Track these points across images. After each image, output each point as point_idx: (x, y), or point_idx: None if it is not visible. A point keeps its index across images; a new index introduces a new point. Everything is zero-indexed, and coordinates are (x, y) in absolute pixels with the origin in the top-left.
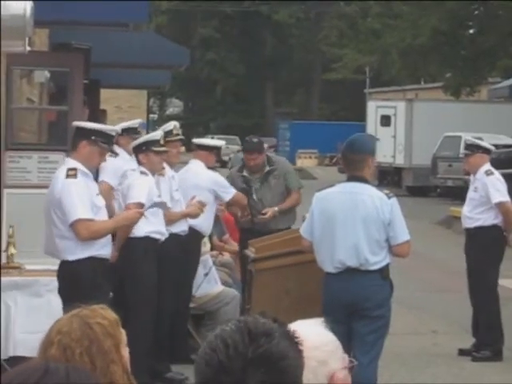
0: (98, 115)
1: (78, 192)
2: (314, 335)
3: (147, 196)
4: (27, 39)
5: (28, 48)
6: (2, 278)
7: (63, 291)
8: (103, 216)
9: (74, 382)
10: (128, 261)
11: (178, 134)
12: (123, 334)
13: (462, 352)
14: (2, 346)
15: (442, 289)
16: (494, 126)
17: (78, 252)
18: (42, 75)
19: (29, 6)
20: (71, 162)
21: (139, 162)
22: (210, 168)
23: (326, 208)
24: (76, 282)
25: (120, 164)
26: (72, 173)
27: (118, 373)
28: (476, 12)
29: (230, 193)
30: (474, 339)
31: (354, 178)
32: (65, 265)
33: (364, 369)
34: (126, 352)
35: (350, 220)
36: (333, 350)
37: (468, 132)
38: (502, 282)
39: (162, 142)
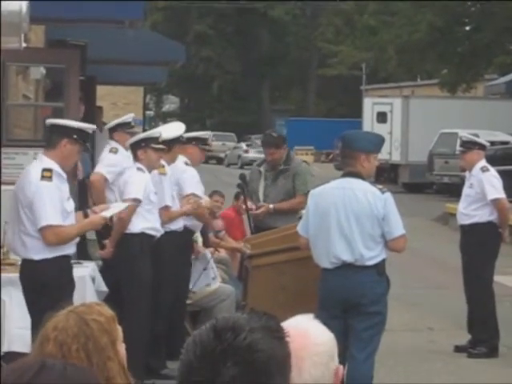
0: (94, 112)
1: (50, 196)
2: (319, 331)
3: (143, 192)
4: (23, 35)
5: (24, 44)
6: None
7: (27, 291)
8: (71, 221)
9: (71, 377)
10: (124, 257)
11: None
12: (119, 331)
13: (458, 348)
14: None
15: (438, 285)
16: (490, 123)
17: (44, 252)
18: (37, 72)
19: (25, 2)
20: (47, 162)
21: (136, 158)
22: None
23: (320, 204)
24: (41, 282)
25: (120, 160)
26: (47, 174)
27: (114, 369)
28: (472, 9)
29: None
30: (470, 336)
31: (348, 173)
32: (29, 264)
33: (360, 365)
34: (122, 348)
35: (343, 215)
36: (335, 345)
37: (464, 129)
38: (497, 278)
39: (160, 139)
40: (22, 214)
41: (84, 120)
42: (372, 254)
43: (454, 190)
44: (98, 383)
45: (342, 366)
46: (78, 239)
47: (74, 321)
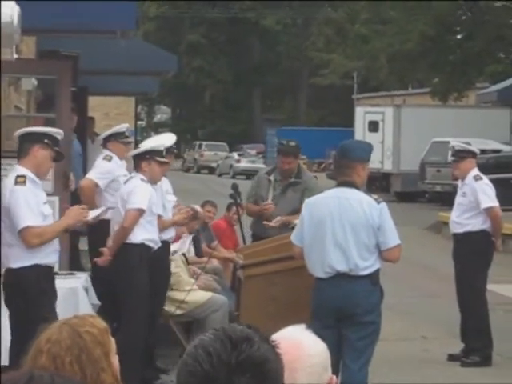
0: (85, 122)
1: (26, 199)
2: (312, 342)
3: (148, 203)
4: (14, 47)
5: (15, 55)
6: None
7: (8, 300)
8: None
9: None
10: (123, 267)
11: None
12: (112, 342)
13: (452, 357)
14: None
15: (431, 294)
16: (482, 131)
17: (23, 259)
18: (29, 83)
19: (16, 13)
20: (20, 169)
21: (140, 170)
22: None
23: (315, 213)
24: (21, 290)
25: (114, 168)
26: (21, 180)
27: (107, 381)
28: (463, 17)
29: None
30: (463, 344)
31: (343, 183)
32: (9, 272)
33: (355, 375)
34: (115, 360)
35: (338, 225)
36: (329, 356)
37: (456, 137)
38: (490, 286)
39: (164, 153)
40: (1, 225)
41: (76, 131)
42: (366, 264)
43: (446, 199)
44: None
45: (335, 377)
46: (58, 247)
47: (67, 333)
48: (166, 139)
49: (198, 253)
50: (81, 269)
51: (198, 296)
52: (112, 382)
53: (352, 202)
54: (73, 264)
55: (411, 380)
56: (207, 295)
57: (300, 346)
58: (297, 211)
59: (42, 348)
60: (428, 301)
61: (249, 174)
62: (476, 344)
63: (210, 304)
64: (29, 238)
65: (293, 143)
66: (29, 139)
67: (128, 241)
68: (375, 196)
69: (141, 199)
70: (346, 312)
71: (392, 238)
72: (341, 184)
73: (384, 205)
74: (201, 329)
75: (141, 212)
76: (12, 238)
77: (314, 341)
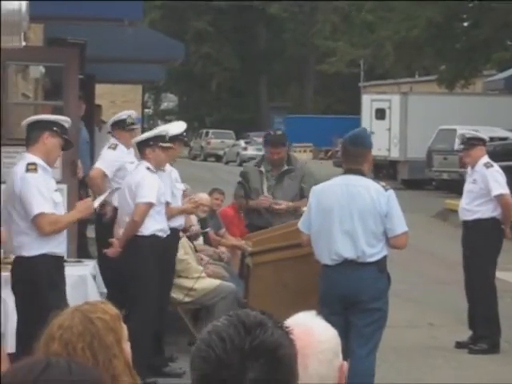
0: (93, 110)
1: (37, 186)
2: (323, 328)
3: (157, 194)
4: (23, 34)
5: (23, 43)
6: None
7: (17, 288)
8: (60, 212)
9: (77, 374)
10: (133, 259)
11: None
12: (124, 329)
13: (459, 344)
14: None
15: (438, 281)
16: (489, 119)
17: (34, 248)
18: (37, 70)
19: (24, 1)
20: (30, 157)
21: (144, 157)
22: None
23: (322, 201)
24: (31, 279)
25: (119, 156)
26: (32, 167)
27: (119, 367)
28: (470, 4)
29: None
30: (471, 332)
31: (351, 170)
32: (20, 261)
33: (362, 361)
34: (127, 346)
35: (346, 212)
36: (339, 341)
37: (463, 125)
38: (498, 274)
39: (167, 138)
40: (12, 212)
41: (83, 118)
42: (374, 251)
43: (453, 187)
44: (103, 380)
45: (346, 363)
46: (66, 238)
47: (79, 319)
48: (175, 126)
49: (206, 240)
50: (88, 256)
51: (207, 283)
52: (124, 369)
53: (360, 189)
54: (80, 251)
55: (418, 367)
56: (215, 282)
57: (311, 332)
58: (296, 198)
59: (53, 334)
60: (435, 288)
61: None
62: (484, 331)
63: (218, 291)
64: (43, 225)
65: (279, 132)
66: (38, 127)
67: (139, 233)
68: (383, 183)
69: (149, 192)
70: (353, 299)
71: (399, 225)
72: (348, 171)
73: (391, 192)
74: (209, 316)
75: (150, 205)
76: (25, 227)
77: (325, 327)
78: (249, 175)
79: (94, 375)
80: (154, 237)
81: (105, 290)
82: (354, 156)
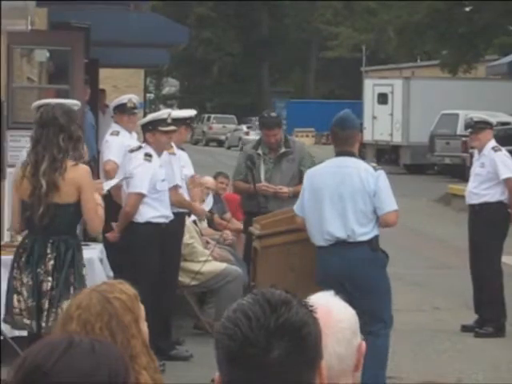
0: (97, 94)
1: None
2: (341, 307)
3: (148, 184)
4: (29, 18)
5: (30, 27)
6: (6, 257)
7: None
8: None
9: (100, 353)
10: (128, 246)
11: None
12: (142, 309)
13: (465, 328)
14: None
15: (442, 265)
16: (491, 104)
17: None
18: (42, 54)
19: None
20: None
21: (146, 141)
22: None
23: (314, 184)
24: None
25: (123, 141)
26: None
27: (137, 347)
28: None
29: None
30: (477, 315)
31: (342, 152)
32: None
33: (375, 337)
34: (144, 326)
35: (336, 193)
36: (357, 321)
37: (465, 110)
38: (503, 258)
39: (169, 120)
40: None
41: (87, 102)
42: (364, 230)
43: (455, 171)
44: (125, 359)
45: (364, 342)
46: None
47: (96, 299)
48: (184, 112)
49: (211, 224)
50: (93, 240)
51: (213, 267)
52: (142, 349)
53: (350, 169)
54: (85, 235)
55: (424, 350)
56: (222, 266)
57: (329, 311)
58: (295, 181)
59: (72, 314)
60: (439, 272)
61: None
62: (490, 315)
63: (224, 274)
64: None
65: (274, 114)
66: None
67: (134, 220)
68: (374, 164)
69: (140, 182)
70: (349, 278)
71: (388, 204)
72: (340, 153)
73: (381, 172)
74: (215, 299)
75: (141, 195)
76: None
77: (343, 306)
78: (254, 159)
79: (116, 354)
80: (149, 224)
81: (111, 274)
82: (344, 139)
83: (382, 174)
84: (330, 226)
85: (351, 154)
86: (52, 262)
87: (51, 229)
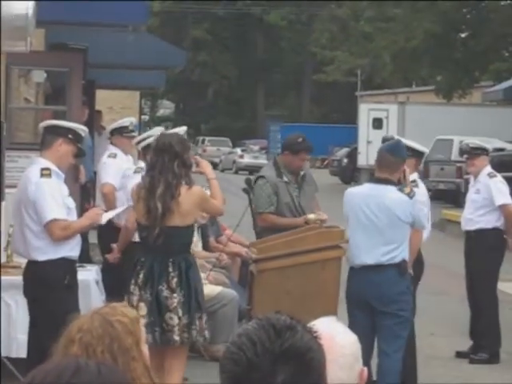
0: (93, 116)
1: (51, 192)
2: (344, 333)
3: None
4: (29, 39)
5: (29, 48)
6: (2, 277)
7: (31, 292)
8: (73, 217)
9: (106, 377)
10: (130, 265)
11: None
12: (143, 332)
13: (460, 354)
14: (2, 343)
15: (438, 292)
16: (486, 130)
17: (49, 252)
18: (40, 75)
19: (31, 5)
20: (43, 162)
21: (142, 158)
22: None
23: (351, 204)
24: (47, 283)
25: (120, 164)
26: (46, 172)
27: (138, 369)
28: (468, 15)
29: None
30: (472, 342)
31: (379, 180)
32: (34, 265)
33: (388, 359)
34: (145, 349)
35: (372, 222)
36: (359, 347)
37: (460, 135)
38: (498, 285)
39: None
40: (25, 216)
41: (84, 124)
42: (393, 255)
43: (449, 197)
44: (128, 381)
45: (366, 368)
46: (80, 242)
47: (98, 322)
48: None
49: (206, 247)
50: (89, 261)
51: (208, 290)
52: (143, 371)
53: (386, 200)
54: (82, 256)
55: (419, 376)
56: (217, 289)
57: (332, 337)
58: (314, 203)
59: (73, 337)
60: (435, 298)
61: (252, 170)
62: (484, 341)
63: (219, 298)
64: (54, 230)
65: (300, 138)
66: (53, 132)
67: (135, 239)
68: (407, 190)
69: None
70: (375, 301)
71: (421, 223)
72: (377, 181)
73: (415, 197)
74: (211, 322)
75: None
76: (37, 230)
77: (346, 332)
78: (276, 189)
79: (121, 377)
80: None
81: (103, 297)
82: (387, 165)
83: (415, 200)
84: (360, 251)
85: (387, 182)
86: (176, 280)
87: (168, 248)
